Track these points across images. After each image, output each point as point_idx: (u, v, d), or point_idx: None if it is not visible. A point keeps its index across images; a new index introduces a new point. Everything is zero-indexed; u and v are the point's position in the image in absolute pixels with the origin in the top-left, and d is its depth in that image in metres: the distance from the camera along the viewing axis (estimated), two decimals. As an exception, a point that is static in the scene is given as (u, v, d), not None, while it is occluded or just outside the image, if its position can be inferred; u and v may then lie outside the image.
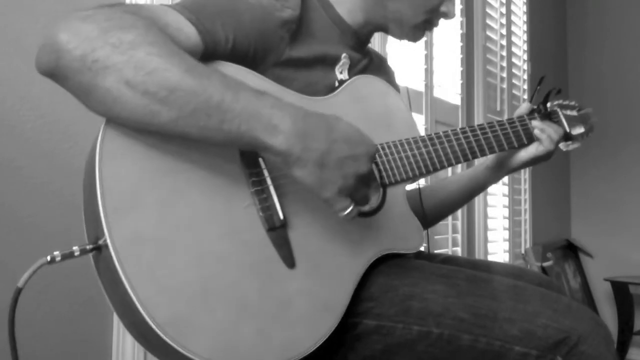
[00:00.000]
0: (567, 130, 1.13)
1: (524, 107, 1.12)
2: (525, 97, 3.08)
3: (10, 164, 1.04)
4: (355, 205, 0.75)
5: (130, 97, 0.64)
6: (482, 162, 1.15)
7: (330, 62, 0.94)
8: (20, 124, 1.06)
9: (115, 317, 1.19)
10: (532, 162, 1.10)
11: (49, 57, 0.65)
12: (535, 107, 1.12)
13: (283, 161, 0.71)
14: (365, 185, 0.77)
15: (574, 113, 1.16)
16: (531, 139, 1.08)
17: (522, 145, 1.07)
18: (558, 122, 1.12)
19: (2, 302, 1.00)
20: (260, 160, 0.78)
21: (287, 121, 0.69)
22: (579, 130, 1.14)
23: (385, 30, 1.02)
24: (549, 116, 1.12)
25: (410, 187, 1.04)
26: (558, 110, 1.14)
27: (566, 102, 1.17)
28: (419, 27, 1.01)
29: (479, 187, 1.17)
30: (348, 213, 0.74)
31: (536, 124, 1.08)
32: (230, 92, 0.67)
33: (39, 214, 1.08)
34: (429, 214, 1.14)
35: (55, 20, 0.66)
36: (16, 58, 1.05)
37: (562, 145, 1.16)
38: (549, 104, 1.14)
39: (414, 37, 1.03)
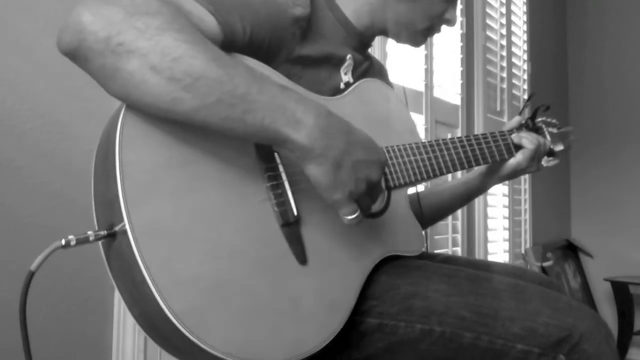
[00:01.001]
0: (551, 146, 1.19)
1: (514, 121, 1.17)
2: (526, 96, 3.08)
3: (10, 164, 1.04)
4: (360, 212, 0.75)
5: (155, 83, 0.63)
6: (477, 169, 1.18)
7: (336, 62, 0.95)
8: (20, 124, 1.05)
9: (116, 317, 1.19)
10: (521, 170, 1.12)
11: (71, 37, 0.63)
12: (523, 122, 1.18)
13: (301, 157, 0.70)
14: (371, 194, 0.76)
15: (555, 130, 1.22)
16: (511, 152, 1.11)
17: (503, 160, 1.11)
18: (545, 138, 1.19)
19: (2, 301, 1.00)
20: (276, 155, 0.78)
21: (310, 116, 0.68)
22: (559, 147, 1.20)
23: (387, 33, 1.04)
24: (536, 132, 1.18)
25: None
26: (543, 126, 1.20)
27: (549, 120, 1.23)
28: (422, 33, 1.03)
29: (472, 193, 1.20)
30: (354, 218, 0.74)
31: (514, 136, 1.12)
32: (256, 84, 0.66)
33: (39, 214, 1.07)
34: (426, 216, 1.16)
35: (76, 1, 0.64)
36: (16, 58, 1.05)
37: (543, 161, 1.22)
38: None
39: (415, 42, 1.05)
